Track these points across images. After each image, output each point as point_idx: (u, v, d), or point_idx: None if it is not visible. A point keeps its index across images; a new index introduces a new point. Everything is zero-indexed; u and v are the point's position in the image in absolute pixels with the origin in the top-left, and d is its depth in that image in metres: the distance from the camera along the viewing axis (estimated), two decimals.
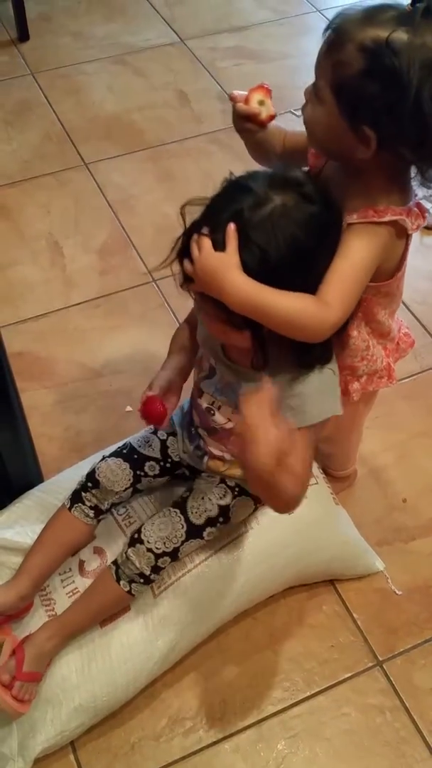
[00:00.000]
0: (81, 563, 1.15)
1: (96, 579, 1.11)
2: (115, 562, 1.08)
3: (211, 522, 1.08)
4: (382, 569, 1.32)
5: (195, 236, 0.84)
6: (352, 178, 0.90)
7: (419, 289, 1.74)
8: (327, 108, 0.85)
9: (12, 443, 1.20)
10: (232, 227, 0.81)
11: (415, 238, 0.96)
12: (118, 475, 1.11)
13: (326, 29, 0.84)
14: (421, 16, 0.79)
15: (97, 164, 2.06)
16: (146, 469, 1.13)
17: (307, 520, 1.21)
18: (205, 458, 1.08)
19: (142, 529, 1.07)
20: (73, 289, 1.77)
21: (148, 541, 1.06)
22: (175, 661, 1.18)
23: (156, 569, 1.06)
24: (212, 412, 1.04)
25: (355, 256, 0.87)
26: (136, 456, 1.13)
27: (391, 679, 1.21)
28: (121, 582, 1.07)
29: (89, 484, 1.12)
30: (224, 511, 1.09)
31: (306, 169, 0.99)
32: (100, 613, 1.10)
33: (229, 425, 1.03)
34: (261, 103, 0.95)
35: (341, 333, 0.91)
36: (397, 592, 1.30)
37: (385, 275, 0.95)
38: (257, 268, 0.82)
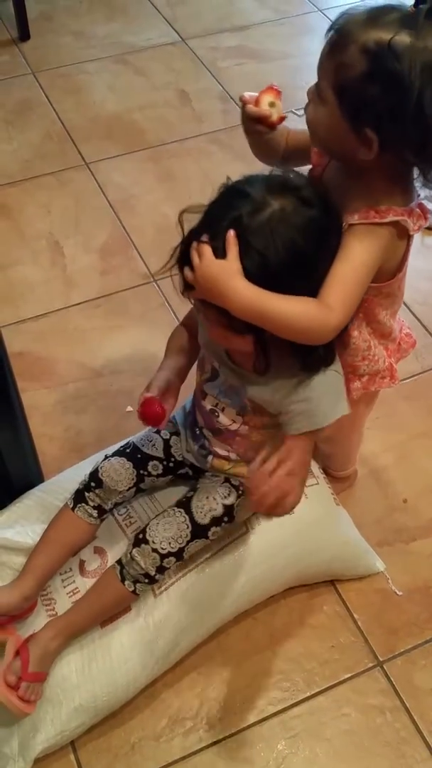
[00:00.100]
0: (81, 563, 1.15)
1: (100, 579, 1.11)
2: (119, 562, 1.08)
3: (216, 521, 1.08)
4: (383, 570, 1.32)
5: (194, 244, 0.84)
6: (354, 178, 0.90)
7: (420, 290, 1.74)
8: (329, 109, 0.85)
9: (12, 443, 1.20)
10: (231, 234, 0.81)
11: (416, 238, 0.96)
12: (121, 474, 1.11)
13: (329, 30, 0.84)
14: (425, 18, 0.78)
15: (97, 164, 2.06)
16: (149, 468, 1.13)
17: (307, 521, 1.21)
18: (210, 457, 1.08)
19: (147, 530, 1.07)
20: (74, 289, 1.77)
21: (153, 542, 1.06)
22: (176, 661, 1.18)
23: (161, 569, 1.06)
24: (216, 413, 1.04)
25: (355, 258, 0.87)
26: (139, 455, 1.13)
27: (392, 679, 1.21)
28: (126, 582, 1.07)
29: (92, 484, 1.12)
30: (229, 510, 1.09)
31: (309, 167, 1.00)
32: (104, 612, 1.10)
33: (234, 426, 1.03)
34: (271, 105, 0.94)
35: (342, 333, 0.91)
36: (398, 592, 1.30)
37: (386, 276, 0.95)
38: (258, 273, 0.82)
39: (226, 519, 1.09)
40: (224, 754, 1.14)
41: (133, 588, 1.07)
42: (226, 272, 0.81)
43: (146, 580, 1.07)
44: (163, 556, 1.06)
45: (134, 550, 1.06)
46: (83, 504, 1.11)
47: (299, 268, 0.83)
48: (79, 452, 1.42)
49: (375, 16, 0.80)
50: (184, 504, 1.09)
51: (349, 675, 1.21)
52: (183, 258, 0.86)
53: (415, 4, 0.80)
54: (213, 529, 1.09)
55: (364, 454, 1.44)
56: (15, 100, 2.24)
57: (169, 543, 1.06)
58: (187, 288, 0.87)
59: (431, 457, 1.50)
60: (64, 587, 1.14)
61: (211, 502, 1.08)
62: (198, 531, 1.07)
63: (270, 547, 1.19)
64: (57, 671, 1.09)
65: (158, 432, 1.15)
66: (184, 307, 0.97)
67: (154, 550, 1.05)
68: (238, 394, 0.99)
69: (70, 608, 1.10)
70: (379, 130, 0.82)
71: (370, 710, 1.18)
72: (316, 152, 0.98)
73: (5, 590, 1.08)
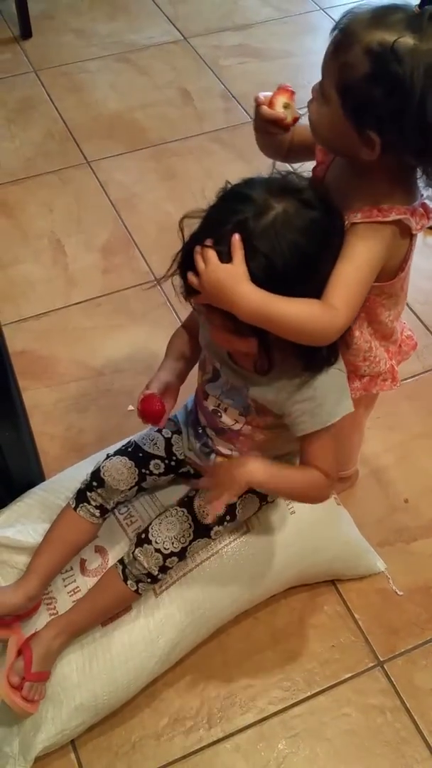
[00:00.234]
0: (82, 562, 1.16)
1: (102, 578, 1.11)
2: (121, 562, 1.08)
3: (218, 520, 1.08)
4: (384, 570, 1.32)
5: (198, 248, 0.83)
6: (357, 176, 0.90)
7: (422, 289, 1.74)
8: (332, 108, 0.85)
9: (14, 442, 1.20)
10: (237, 238, 0.81)
11: (419, 238, 0.96)
12: (123, 473, 1.11)
13: (334, 29, 0.83)
14: (429, 20, 0.78)
15: (99, 162, 2.06)
16: (151, 467, 1.13)
17: (308, 520, 1.21)
18: (213, 456, 1.09)
19: (150, 529, 1.07)
20: (75, 288, 1.76)
21: (156, 541, 1.06)
22: (176, 660, 1.18)
23: (164, 569, 1.07)
24: (219, 414, 1.04)
25: (358, 258, 0.87)
26: (141, 454, 1.13)
27: (392, 679, 1.21)
28: (129, 582, 1.07)
29: (94, 484, 1.12)
30: (231, 509, 1.09)
31: (313, 164, 0.99)
32: (106, 611, 1.10)
33: (237, 426, 1.03)
34: (286, 106, 0.93)
35: (345, 333, 0.91)
36: (399, 592, 1.30)
37: (388, 275, 0.95)
38: (264, 276, 0.82)
39: (228, 518, 1.09)
40: (225, 753, 1.14)
41: (135, 588, 1.07)
42: (232, 277, 0.81)
43: (149, 580, 1.07)
44: (165, 556, 1.06)
45: (137, 549, 1.06)
46: (85, 503, 1.11)
47: (304, 269, 0.83)
48: (80, 451, 1.42)
49: (380, 16, 0.80)
50: (187, 503, 1.09)
51: (350, 675, 1.21)
52: (185, 263, 0.86)
53: (421, 5, 0.80)
54: (215, 528, 1.09)
55: (365, 454, 1.44)
56: (17, 99, 2.24)
57: (172, 543, 1.06)
58: (191, 293, 0.87)
59: None
60: (65, 586, 1.14)
61: None
62: (200, 530, 1.08)
63: (271, 546, 1.19)
64: (58, 670, 1.09)
65: (160, 431, 1.15)
66: (185, 306, 0.96)
67: (157, 550, 1.05)
68: (240, 394, 0.99)
69: (72, 607, 1.10)
70: (381, 131, 0.82)
71: (370, 710, 1.18)
72: (320, 149, 0.98)
73: (9, 590, 1.08)
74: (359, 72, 0.80)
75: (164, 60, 2.38)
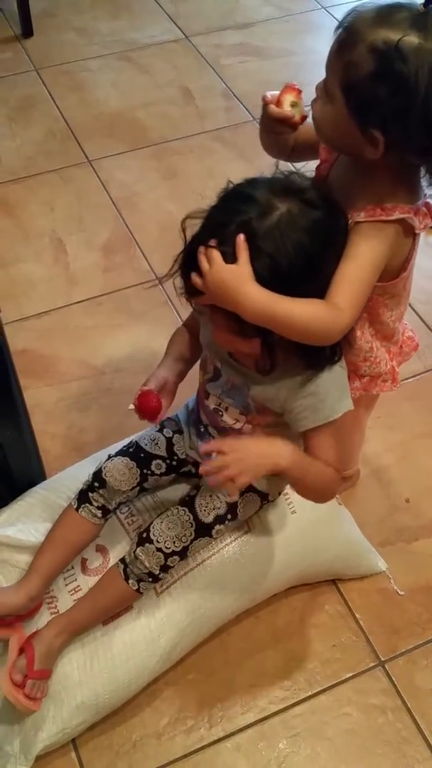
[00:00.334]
0: (83, 561, 1.16)
1: (103, 577, 1.11)
2: (122, 561, 1.08)
3: (219, 519, 1.08)
4: (385, 569, 1.32)
5: (202, 249, 0.83)
6: (361, 175, 0.90)
7: (424, 289, 1.74)
8: (336, 106, 0.84)
9: (15, 441, 1.20)
10: (241, 238, 0.80)
11: (421, 237, 0.95)
12: (125, 474, 1.11)
13: (338, 27, 0.83)
14: None
15: (100, 161, 2.06)
16: (153, 467, 1.13)
17: (309, 520, 1.21)
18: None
19: (151, 529, 1.07)
20: (76, 287, 1.76)
21: (157, 541, 1.06)
22: (177, 659, 1.18)
23: (165, 568, 1.07)
24: (220, 413, 1.04)
25: (362, 257, 0.87)
26: (142, 454, 1.13)
27: (393, 679, 1.21)
28: (130, 581, 1.07)
29: (96, 484, 1.11)
30: (232, 508, 1.09)
31: (317, 162, 0.99)
32: (107, 610, 1.10)
33: (238, 425, 1.03)
34: (293, 104, 0.93)
35: (348, 332, 0.91)
36: (400, 592, 1.30)
37: (391, 274, 0.95)
38: (269, 277, 0.81)
39: (229, 517, 1.09)
40: (226, 752, 1.14)
41: (137, 587, 1.07)
42: (237, 277, 0.81)
43: (150, 579, 1.07)
44: (167, 555, 1.06)
45: (138, 549, 1.06)
46: (87, 504, 1.11)
47: (308, 269, 0.83)
48: (81, 450, 1.42)
49: (384, 15, 0.80)
50: (188, 502, 1.09)
51: (351, 674, 1.21)
52: (188, 263, 0.86)
53: (425, 4, 0.79)
54: (217, 527, 1.09)
55: (366, 453, 1.44)
56: (18, 97, 2.24)
57: (173, 542, 1.06)
58: (194, 294, 0.86)
59: None
60: (66, 585, 1.14)
61: (214, 501, 1.08)
62: (202, 529, 1.07)
63: (272, 546, 1.19)
64: (59, 669, 1.09)
65: (161, 431, 1.15)
66: (186, 305, 0.96)
67: (159, 550, 1.05)
68: (241, 393, 0.99)
69: (73, 606, 1.10)
70: (385, 130, 0.82)
71: (371, 710, 1.18)
72: (324, 148, 0.97)
73: (11, 590, 1.08)
74: (363, 70, 0.80)
75: (165, 59, 2.38)
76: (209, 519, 1.08)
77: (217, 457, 0.87)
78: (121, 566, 1.08)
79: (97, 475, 1.12)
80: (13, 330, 1.62)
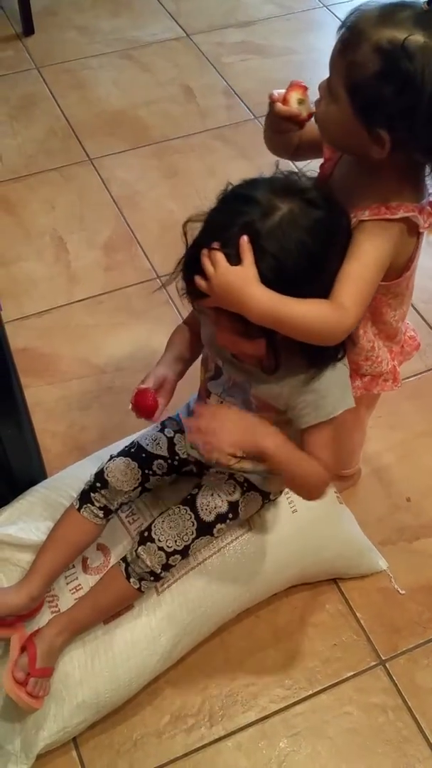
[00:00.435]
0: (84, 560, 1.16)
1: (104, 576, 1.11)
2: (124, 560, 1.08)
3: (221, 518, 1.08)
4: (386, 568, 1.32)
5: (205, 252, 0.82)
6: (365, 173, 0.90)
7: (426, 288, 1.74)
8: (341, 106, 0.84)
9: (16, 439, 1.20)
10: (245, 240, 0.80)
11: (424, 236, 0.95)
12: (127, 474, 1.11)
13: (341, 26, 0.83)
14: None
15: (101, 160, 2.05)
16: (154, 467, 1.13)
17: (310, 519, 1.21)
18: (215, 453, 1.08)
19: (153, 527, 1.07)
20: (77, 285, 1.76)
21: (159, 540, 1.06)
22: (178, 658, 1.18)
23: (167, 567, 1.07)
24: None
25: (366, 256, 0.86)
26: (144, 455, 1.13)
27: (394, 678, 1.21)
28: (131, 580, 1.07)
29: (98, 485, 1.11)
30: (234, 506, 1.09)
31: (320, 161, 0.99)
32: (109, 609, 1.10)
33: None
34: (300, 102, 0.93)
35: (352, 331, 0.91)
36: (401, 591, 1.30)
37: (394, 273, 0.95)
38: (273, 277, 0.81)
39: (230, 516, 1.09)
40: (226, 751, 1.14)
41: (138, 585, 1.07)
42: (242, 279, 0.80)
43: (152, 578, 1.07)
44: (168, 554, 1.06)
45: (140, 548, 1.06)
46: (89, 504, 1.11)
47: (312, 269, 0.83)
48: (82, 449, 1.42)
49: (388, 14, 0.80)
50: (189, 501, 1.09)
51: (352, 673, 1.21)
52: (190, 267, 0.85)
53: (429, 2, 0.79)
54: (218, 526, 1.09)
55: (366, 452, 1.44)
56: (19, 95, 2.24)
57: (175, 541, 1.06)
58: (198, 296, 0.86)
59: None
60: (67, 584, 1.14)
61: (215, 499, 1.08)
62: (203, 528, 1.07)
63: (273, 544, 1.19)
64: (60, 667, 1.09)
65: (162, 431, 1.15)
66: (187, 304, 0.96)
67: (160, 548, 1.05)
68: (243, 391, 0.99)
69: (74, 605, 1.10)
70: (392, 129, 0.81)
71: (372, 709, 1.18)
72: (328, 146, 0.97)
73: (12, 591, 1.08)
74: (369, 70, 0.80)
75: (167, 57, 2.37)
76: (210, 518, 1.08)
77: (197, 419, 0.90)
78: (123, 565, 1.08)
79: (99, 476, 1.12)
80: (14, 328, 1.61)
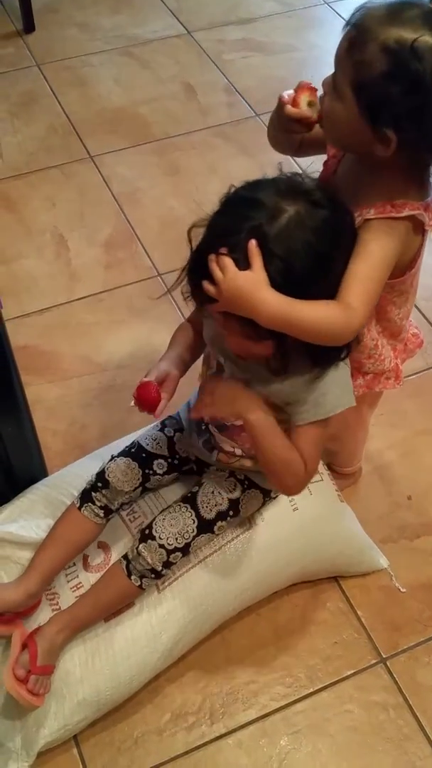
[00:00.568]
0: (85, 558, 1.16)
1: (105, 574, 1.11)
2: (125, 557, 1.08)
3: (221, 516, 1.08)
4: (387, 566, 1.32)
5: (213, 257, 0.82)
6: (369, 172, 0.89)
7: (428, 286, 1.72)
8: (346, 105, 0.84)
9: (17, 437, 1.20)
10: (254, 244, 0.79)
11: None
12: (127, 474, 1.11)
13: (347, 24, 0.82)
14: None
15: (102, 157, 2.05)
16: (155, 467, 1.13)
17: (311, 517, 1.21)
18: (215, 452, 1.08)
19: (153, 525, 1.07)
20: (78, 283, 1.76)
21: (159, 537, 1.06)
22: (179, 656, 1.18)
23: (167, 564, 1.07)
24: None
25: (373, 255, 0.86)
26: (144, 454, 1.13)
27: (395, 676, 1.21)
28: (133, 577, 1.07)
29: (99, 484, 1.11)
30: (234, 504, 1.09)
31: (324, 159, 0.98)
32: (110, 607, 1.10)
33: (239, 422, 1.02)
34: (310, 104, 0.92)
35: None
36: (402, 589, 1.30)
37: (399, 271, 0.94)
38: (282, 280, 0.81)
39: (231, 513, 1.09)
40: (227, 749, 1.14)
41: (139, 583, 1.07)
42: (252, 284, 0.80)
43: (152, 575, 1.07)
44: (169, 552, 1.06)
45: (141, 545, 1.06)
46: (90, 503, 1.11)
47: (320, 270, 0.83)
48: (82, 447, 1.42)
49: (395, 12, 0.79)
50: (190, 499, 1.09)
51: (352, 671, 1.21)
52: (197, 272, 0.84)
53: None
54: (219, 523, 1.09)
55: (368, 450, 1.44)
56: (19, 93, 2.24)
57: (176, 538, 1.06)
58: (205, 301, 0.85)
59: None
60: (68, 582, 1.14)
61: (216, 497, 1.08)
62: (204, 526, 1.08)
63: (274, 542, 1.19)
64: (61, 665, 1.09)
65: (162, 430, 1.15)
66: (188, 302, 0.96)
67: (161, 546, 1.05)
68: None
69: (75, 602, 1.10)
70: (398, 129, 0.81)
71: (373, 707, 1.18)
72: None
73: (10, 587, 1.08)
74: (376, 70, 0.79)
75: (168, 54, 2.37)
76: (211, 515, 1.08)
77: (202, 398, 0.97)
78: (124, 562, 1.08)
79: (100, 476, 1.12)
80: (14, 326, 1.61)
